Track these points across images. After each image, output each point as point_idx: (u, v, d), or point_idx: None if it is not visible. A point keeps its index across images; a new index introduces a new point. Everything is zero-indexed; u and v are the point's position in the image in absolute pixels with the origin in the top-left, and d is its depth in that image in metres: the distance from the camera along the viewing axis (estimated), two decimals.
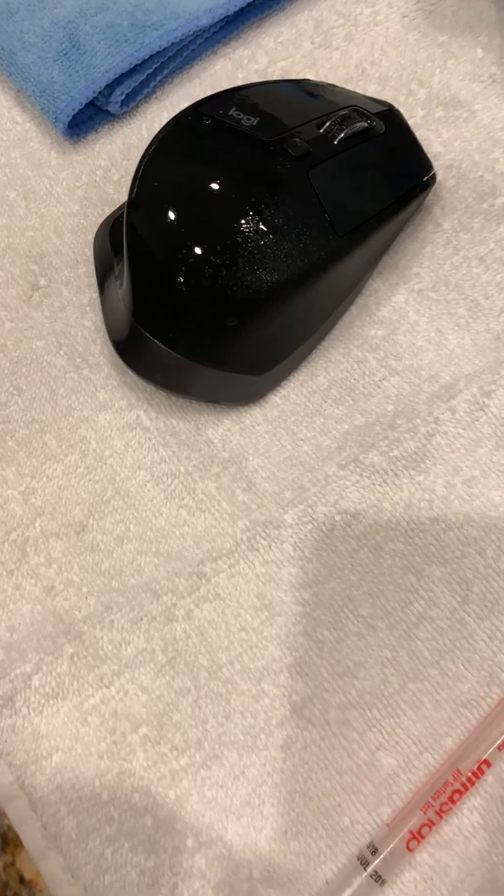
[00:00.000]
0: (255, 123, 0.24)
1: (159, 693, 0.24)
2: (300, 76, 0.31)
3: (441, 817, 0.20)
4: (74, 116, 0.29)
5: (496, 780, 0.21)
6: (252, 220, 0.23)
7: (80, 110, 0.29)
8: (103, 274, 0.28)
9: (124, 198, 0.27)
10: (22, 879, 0.24)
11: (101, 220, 0.29)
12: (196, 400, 0.27)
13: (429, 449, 0.25)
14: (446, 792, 0.20)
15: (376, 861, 0.20)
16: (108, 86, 0.29)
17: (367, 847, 0.21)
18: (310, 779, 0.22)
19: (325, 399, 0.26)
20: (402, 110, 0.28)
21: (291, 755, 0.23)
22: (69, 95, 0.29)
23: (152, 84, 0.30)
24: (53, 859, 0.23)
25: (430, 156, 0.28)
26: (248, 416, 0.27)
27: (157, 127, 0.27)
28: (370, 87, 0.30)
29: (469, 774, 0.20)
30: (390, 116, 0.27)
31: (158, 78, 0.30)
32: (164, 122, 0.26)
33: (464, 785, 0.20)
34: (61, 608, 0.25)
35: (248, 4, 0.30)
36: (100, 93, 0.29)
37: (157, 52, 0.29)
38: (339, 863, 0.21)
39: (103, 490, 0.27)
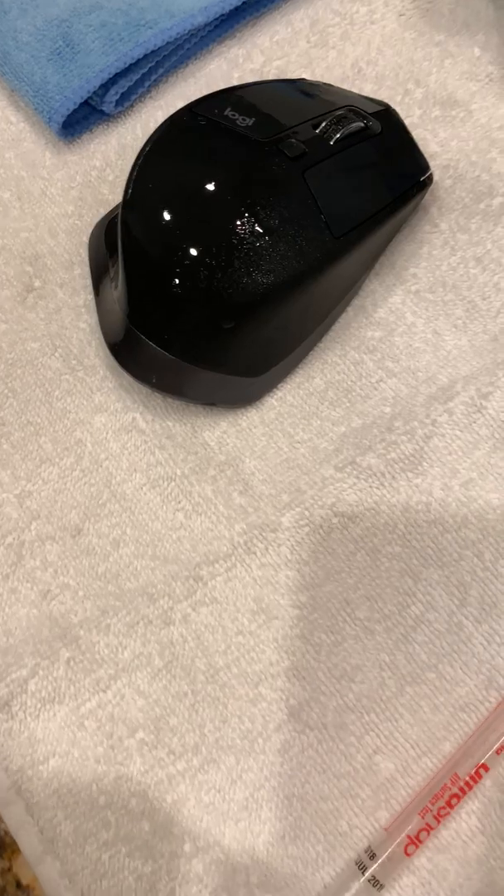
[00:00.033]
0: (250, 124, 0.24)
1: (156, 697, 0.24)
2: (296, 75, 0.30)
3: (439, 822, 0.20)
4: (69, 116, 0.29)
5: (494, 784, 0.21)
6: (247, 221, 0.23)
7: (75, 110, 0.29)
8: (98, 275, 0.28)
9: (119, 198, 0.27)
10: (19, 884, 0.24)
11: (96, 221, 0.29)
12: (192, 402, 0.27)
13: (426, 451, 0.25)
14: (444, 796, 0.20)
15: (374, 866, 0.20)
16: (102, 85, 0.29)
17: (366, 852, 0.21)
18: (307, 783, 0.22)
19: (322, 401, 0.26)
20: (399, 110, 0.28)
21: (289, 759, 0.23)
22: (63, 95, 0.29)
23: (147, 83, 0.30)
24: (50, 864, 0.23)
25: (426, 156, 0.27)
26: (244, 418, 0.26)
27: (152, 126, 0.26)
28: (366, 87, 0.30)
29: (467, 779, 0.20)
30: (387, 116, 0.27)
31: (153, 77, 0.30)
32: (159, 121, 0.26)
33: (462, 789, 0.20)
34: (57, 612, 0.25)
35: (244, 3, 0.30)
36: (94, 92, 0.29)
37: (152, 51, 0.29)
38: (336, 867, 0.21)
39: (99, 493, 0.26)
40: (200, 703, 0.24)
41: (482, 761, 0.20)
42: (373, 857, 0.20)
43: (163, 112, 0.30)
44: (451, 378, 0.26)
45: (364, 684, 0.23)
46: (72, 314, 0.29)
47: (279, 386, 0.27)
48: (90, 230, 0.29)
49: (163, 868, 0.22)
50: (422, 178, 0.27)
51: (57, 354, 0.28)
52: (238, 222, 0.23)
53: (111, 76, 0.29)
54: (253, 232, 0.23)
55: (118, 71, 0.29)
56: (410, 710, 0.22)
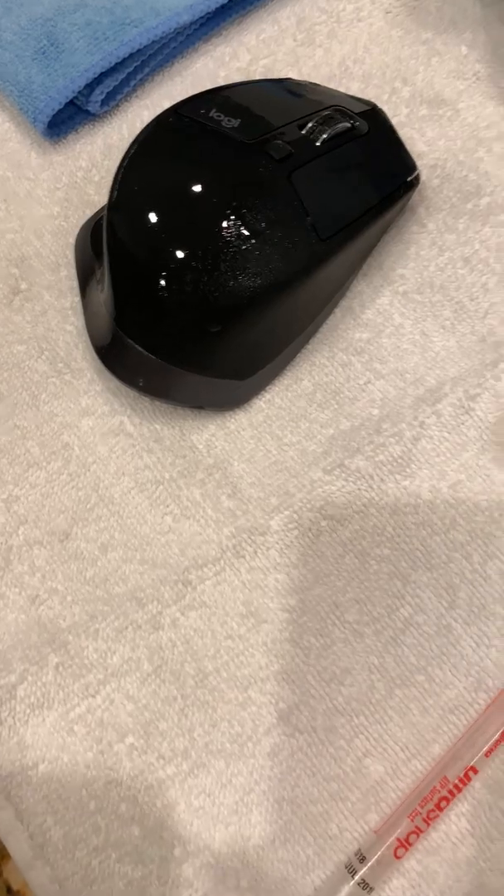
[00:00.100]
0: (236, 125, 0.24)
1: (145, 702, 0.24)
2: (283, 74, 0.30)
3: (428, 824, 0.20)
4: (54, 116, 0.29)
5: (483, 786, 0.21)
6: (233, 224, 0.23)
7: (60, 110, 0.29)
8: (85, 277, 0.27)
9: (105, 199, 0.26)
10: (9, 890, 0.24)
11: (82, 223, 0.29)
12: (180, 405, 0.26)
13: (414, 453, 0.25)
14: (433, 799, 0.20)
15: (364, 869, 0.20)
16: (87, 85, 0.29)
17: (355, 855, 0.21)
18: (297, 786, 0.22)
19: (311, 403, 0.26)
20: (386, 109, 0.28)
21: (279, 763, 0.23)
22: (48, 95, 0.28)
23: (133, 83, 0.30)
24: (41, 870, 0.23)
25: (414, 155, 0.27)
26: (232, 420, 0.26)
27: (139, 126, 0.26)
28: (353, 85, 0.30)
29: (456, 781, 0.20)
30: (374, 116, 0.27)
31: (139, 76, 0.30)
32: (146, 121, 0.26)
33: (451, 792, 0.20)
34: (46, 617, 0.25)
35: (230, 0, 0.30)
36: (79, 92, 0.29)
37: (138, 50, 0.29)
38: (326, 870, 0.21)
39: (87, 497, 0.26)
40: (190, 708, 0.23)
41: (471, 764, 0.20)
42: (362, 860, 0.20)
43: (149, 111, 0.30)
44: (439, 380, 0.26)
45: (353, 687, 0.23)
46: (58, 316, 0.29)
47: (267, 388, 0.26)
48: (76, 231, 0.29)
49: (153, 873, 0.22)
50: (409, 179, 0.26)
51: (44, 357, 0.28)
52: (224, 225, 0.23)
53: (96, 75, 0.28)
54: (239, 235, 0.23)
55: (103, 70, 0.28)
56: (400, 713, 0.22)
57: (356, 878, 0.20)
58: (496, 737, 0.21)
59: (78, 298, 0.28)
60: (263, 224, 0.23)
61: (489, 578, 0.23)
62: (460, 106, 0.29)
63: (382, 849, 0.20)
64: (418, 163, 0.27)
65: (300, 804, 0.22)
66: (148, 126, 0.25)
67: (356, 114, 0.26)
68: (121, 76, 0.29)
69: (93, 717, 0.24)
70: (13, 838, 0.23)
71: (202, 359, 0.25)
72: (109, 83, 0.29)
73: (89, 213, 0.29)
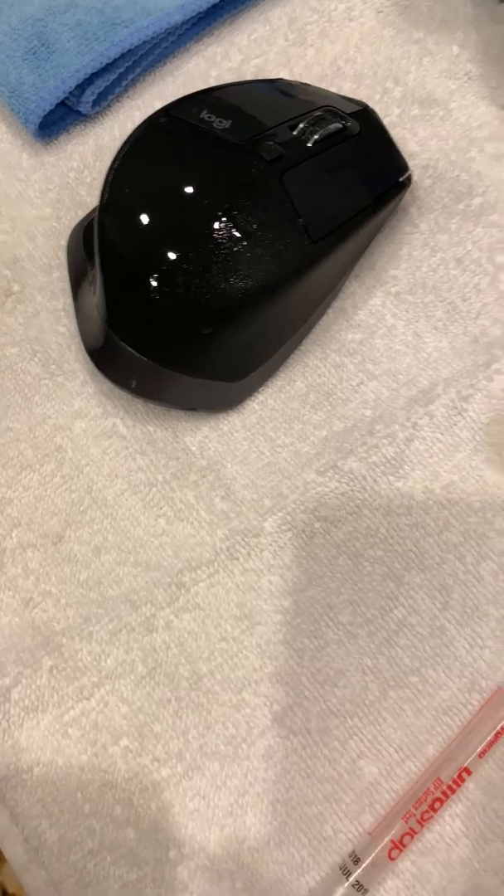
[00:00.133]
0: (227, 126, 0.24)
1: (140, 704, 0.24)
2: (274, 74, 0.30)
3: (422, 826, 0.20)
4: (45, 117, 0.29)
5: (477, 787, 0.21)
6: (225, 226, 0.23)
7: (51, 111, 0.29)
8: (77, 279, 0.27)
9: (97, 200, 0.26)
10: (5, 893, 0.24)
11: (74, 224, 0.29)
12: (172, 407, 0.26)
13: (407, 454, 0.25)
14: (427, 801, 0.20)
15: (358, 870, 0.20)
16: (78, 85, 0.29)
17: (350, 856, 0.21)
18: (292, 788, 0.22)
19: (304, 405, 0.26)
20: (378, 108, 0.28)
21: (273, 765, 0.23)
22: (39, 96, 0.28)
23: (124, 83, 0.30)
24: (36, 873, 0.23)
25: (406, 155, 0.27)
26: (226, 422, 0.26)
27: (130, 127, 0.26)
28: (345, 85, 0.30)
29: (450, 783, 0.20)
30: (365, 116, 0.27)
31: (130, 77, 0.30)
32: (137, 121, 0.26)
33: (444, 793, 0.20)
34: (40, 620, 0.25)
35: (221, 0, 0.30)
36: (70, 92, 0.29)
37: (129, 51, 0.29)
38: (321, 872, 0.21)
39: (80, 500, 0.26)
40: (184, 710, 0.23)
41: (465, 765, 0.21)
42: (357, 861, 0.20)
43: (140, 112, 0.30)
44: (432, 380, 0.26)
45: (347, 689, 0.23)
46: (51, 318, 0.28)
47: (260, 390, 0.26)
48: (68, 233, 0.29)
49: (148, 875, 0.22)
50: (401, 179, 0.26)
51: (36, 359, 0.28)
52: (215, 227, 0.23)
53: (87, 76, 0.28)
54: (230, 236, 0.23)
55: (94, 71, 0.28)
56: (394, 714, 0.22)
57: (350, 879, 0.20)
58: (490, 737, 0.21)
59: (70, 300, 0.28)
60: (255, 226, 0.23)
61: (482, 579, 0.23)
62: (452, 106, 0.29)
63: (377, 850, 0.20)
64: (410, 163, 0.27)
65: (295, 806, 0.22)
66: (139, 127, 0.25)
67: (348, 114, 0.26)
68: (112, 77, 0.29)
69: (87, 719, 0.24)
70: (8, 842, 0.23)
71: (195, 361, 0.25)
72: (101, 84, 0.29)
73: (81, 214, 0.29)
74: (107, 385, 0.27)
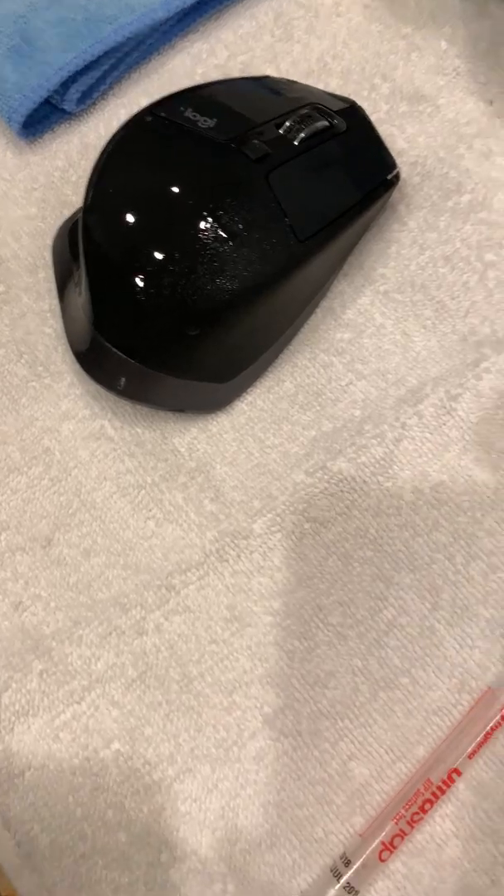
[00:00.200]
0: (212, 125, 0.23)
1: (130, 708, 0.24)
2: (261, 71, 0.30)
3: (413, 827, 0.20)
4: (29, 115, 0.28)
5: (467, 787, 0.21)
6: (210, 226, 0.22)
7: (35, 109, 0.28)
8: (63, 280, 0.27)
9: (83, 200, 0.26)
10: None
11: (59, 223, 0.29)
12: (160, 409, 0.26)
13: (396, 454, 0.25)
14: (417, 802, 0.20)
15: (349, 873, 0.20)
16: (63, 83, 0.28)
17: (341, 858, 0.21)
18: (283, 790, 0.22)
19: (292, 405, 0.26)
20: (366, 105, 0.28)
21: (264, 767, 0.23)
22: (22, 94, 0.28)
23: (109, 80, 0.30)
24: (29, 878, 0.23)
25: (394, 152, 0.27)
26: (214, 423, 0.26)
27: (115, 125, 0.26)
28: (332, 82, 0.29)
29: (440, 783, 0.20)
30: (352, 113, 0.26)
31: (115, 74, 0.29)
32: (122, 119, 0.25)
33: (434, 794, 0.20)
34: (29, 624, 0.25)
35: None
36: (55, 90, 0.28)
37: (113, 48, 0.28)
38: (312, 874, 0.21)
39: (69, 502, 0.26)
40: (175, 713, 0.23)
41: (454, 766, 0.21)
42: (348, 863, 0.20)
43: (126, 110, 0.30)
44: (421, 380, 0.26)
45: (337, 690, 0.23)
46: (37, 319, 0.28)
47: (249, 390, 0.26)
48: (54, 232, 0.29)
49: (140, 879, 0.22)
50: (389, 177, 0.26)
51: (23, 361, 0.28)
52: (200, 227, 0.22)
53: (71, 74, 0.28)
54: (216, 237, 0.22)
55: (78, 68, 0.28)
56: (384, 716, 0.22)
57: (341, 881, 0.20)
58: (479, 738, 0.21)
59: (56, 300, 0.28)
60: (241, 226, 0.23)
61: (472, 579, 0.23)
62: (440, 102, 0.29)
63: (367, 852, 0.20)
64: (398, 160, 0.27)
65: (286, 808, 0.22)
66: (122, 127, 0.24)
67: (335, 111, 0.26)
68: (96, 74, 0.29)
69: (78, 723, 0.24)
70: (1, 846, 0.23)
71: (182, 362, 0.25)
72: (85, 81, 0.28)
73: (67, 213, 0.29)
74: (94, 386, 0.27)
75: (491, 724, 0.21)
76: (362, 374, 0.26)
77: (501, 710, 0.21)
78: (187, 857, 0.22)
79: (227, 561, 0.25)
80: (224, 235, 0.22)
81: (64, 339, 0.27)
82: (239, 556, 0.25)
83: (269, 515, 0.25)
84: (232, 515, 0.25)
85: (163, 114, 0.24)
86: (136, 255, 0.23)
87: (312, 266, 0.24)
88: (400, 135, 0.28)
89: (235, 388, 0.26)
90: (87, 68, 0.28)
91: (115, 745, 0.23)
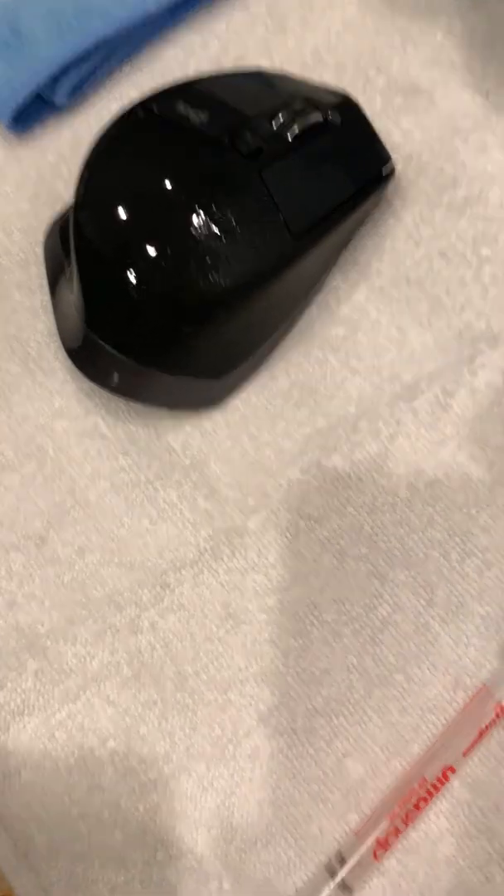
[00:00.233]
0: (204, 119, 0.23)
1: (125, 706, 0.24)
2: (254, 63, 0.29)
3: (407, 825, 0.20)
4: (19, 110, 0.28)
5: (462, 784, 0.21)
6: (203, 222, 0.22)
7: (25, 103, 0.28)
8: (54, 276, 0.27)
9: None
10: None
11: (51, 219, 0.28)
12: (154, 406, 0.26)
13: (391, 451, 0.25)
14: (412, 800, 0.20)
15: (343, 871, 0.20)
16: (53, 77, 0.28)
17: (335, 856, 0.21)
18: (278, 788, 0.22)
19: (287, 402, 0.26)
20: (361, 98, 0.27)
21: (259, 765, 0.23)
22: (11, 88, 0.27)
23: (100, 74, 0.29)
24: (25, 877, 0.23)
25: (389, 146, 0.27)
26: (208, 420, 0.26)
27: (107, 119, 0.25)
28: (327, 75, 0.29)
29: (434, 781, 0.20)
30: (347, 107, 0.26)
31: (106, 67, 0.29)
32: (114, 113, 0.25)
33: (429, 792, 0.20)
34: (24, 622, 0.25)
35: None
36: (45, 84, 0.28)
37: (104, 41, 0.28)
38: (308, 871, 0.21)
39: (63, 500, 0.26)
40: (170, 712, 0.23)
41: (449, 763, 0.21)
42: (342, 861, 0.20)
43: (117, 104, 0.29)
44: (416, 376, 0.25)
45: (332, 688, 0.23)
46: (29, 315, 0.28)
47: (243, 387, 0.26)
48: (46, 228, 0.28)
49: (136, 878, 0.22)
50: (383, 171, 0.26)
51: (15, 358, 0.28)
52: (193, 223, 0.22)
53: (61, 67, 0.27)
54: (209, 233, 0.22)
55: (68, 61, 0.27)
56: (379, 713, 0.22)
57: (336, 879, 0.20)
58: (474, 735, 0.21)
59: (48, 296, 0.28)
60: (233, 221, 0.22)
61: (467, 576, 0.23)
62: (436, 95, 0.28)
63: (362, 850, 0.20)
64: (393, 154, 0.27)
65: (281, 806, 0.22)
66: (112, 122, 0.24)
67: (329, 105, 0.25)
68: (87, 67, 0.28)
69: (73, 722, 0.24)
70: None
71: (175, 359, 0.25)
72: (75, 75, 0.28)
73: (59, 208, 0.29)
74: (87, 384, 0.27)
75: (486, 722, 0.21)
76: (357, 371, 0.26)
77: (496, 707, 0.21)
78: (183, 855, 0.22)
79: (221, 558, 0.25)
80: (217, 231, 0.22)
81: (56, 336, 0.27)
82: (233, 554, 0.25)
83: (264, 513, 0.25)
84: (226, 513, 0.25)
85: (154, 108, 0.24)
86: (128, 252, 0.23)
87: (306, 261, 0.24)
88: (395, 128, 0.28)
89: (229, 384, 0.26)
90: (78, 61, 0.28)
91: (111, 744, 0.23)
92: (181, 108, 0.24)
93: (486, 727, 0.21)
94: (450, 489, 0.24)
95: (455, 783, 0.21)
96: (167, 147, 0.23)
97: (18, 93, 0.27)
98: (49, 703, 0.24)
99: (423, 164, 0.28)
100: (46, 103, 0.29)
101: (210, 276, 0.23)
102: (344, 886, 0.20)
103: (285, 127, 0.24)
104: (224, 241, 0.22)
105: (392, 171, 0.26)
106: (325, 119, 0.25)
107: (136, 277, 0.23)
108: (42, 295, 0.28)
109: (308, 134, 0.24)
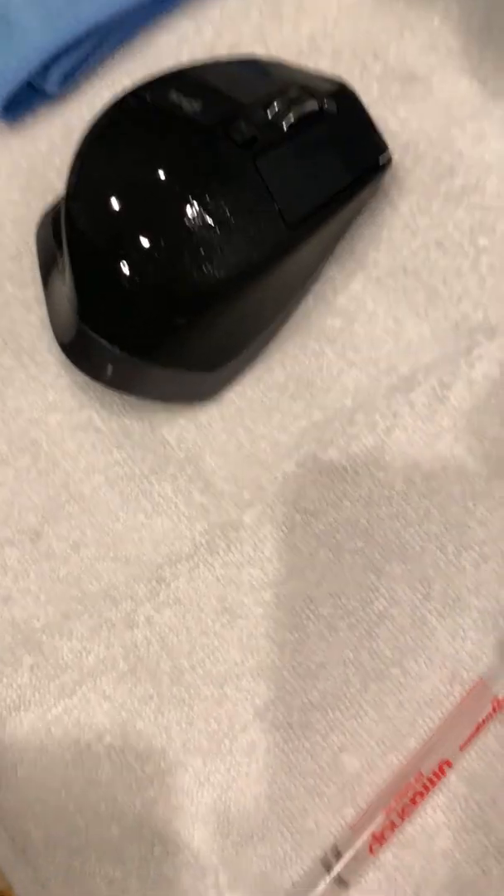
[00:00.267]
0: (197, 108, 0.23)
1: (122, 701, 0.24)
2: (248, 50, 0.29)
3: (403, 819, 0.20)
4: (9, 98, 0.28)
5: (459, 778, 0.21)
6: (197, 212, 0.22)
7: (16, 91, 0.28)
8: (47, 268, 0.26)
9: None
10: None
11: (43, 209, 0.28)
12: (148, 399, 0.26)
13: (388, 444, 0.24)
14: (408, 794, 0.20)
15: (339, 865, 0.20)
16: (43, 64, 0.27)
17: (331, 850, 0.21)
18: (274, 782, 0.22)
19: (283, 394, 0.26)
20: (357, 86, 0.27)
21: (255, 759, 0.23)
22: (2, 76, 0.27)
23: (92, 61, 0.29)
24: (23, 871, 0.23)
25: (386, 134, 0.26)
26: (203, 413, 0.26)
27: (99, 107, 0.25)
28: (322, 62, 0.29)
29: (430, 776, 0.20)
30: (343, 95, 0.26)
31: (98, 55, 0.29)
32: (106, 101, 0.25)
33: (425, 787, 0.20)
34: (19, 617, 0.25)
35: None
36: (35, 72, 0.27)
37: (95, 27, 0.27)
38: (304, 865, 0.21)
39: (57, 495, 0.26)
40: (166, 706, 0.23)
41: (446, 758, 0.21)
42: (338, 855, 0.20)
43: (109, 91, 0.29)
44: (413, 368, 0.25)
45: (328, 682, 0.23)
46: (21, 308, 0.28)
47: (238, 380, 0.26)
48: (38, 219, 0.28)
49: (133, 873, 0.22)
50: (380, 160, 0.26)
51: (8, 351, 0.27)
52: (186, 214, 0.22)
53: (52, 55, 0.27)
54: (202, 223, 0.22)
55: (59, 49, 0.27)
56: (375, 707, 0.22)
57: (332, 873, 0.20)
58: (471, 730, 0.21)
59: (41, 288, 0.27)
60: (228, 212, 0.22)
61: (464, 570, 0.23)
62: (433, 82, 0.28)
63: (357, 844, 0.20)
64: (390, 143, 0.26)
65: (277, 800, 0.22)
66: (104, 110, 0.24)
67: (325, 93, 0.25)
68: (78, 55, 0.28)
69: (69, 717, 0.24)
70: None
71: (170, 351, 0.24)
72: (67, 62, 0.28)
73: (51, 198, 0.28)
74: (81, 377, 0.26)
75: (482, 716, 0.21)
76: (353, 363, 0.26)
77: (493, 701, 0.21)
78: (180, 849, 0.22)
79: (217, 553, 0.24)
80: (211, 222, 0.22)
81: (49, 328, 0.27)
82: (229, 548, 0.24)
83: (260, 506, 0.25)
84: (222, 507, 0.25)
85: (147, 97, 0.23)
86: (120, 243, 0.22)
87: (302, 252, 0.24)
88: (392, 116, 0.28)
89: (225, 377, 0.25)
90: (69, 49, 0.28)
91: (107, 739, 0.23)
92: (174, 96, 0.23)
93: (483, 721, 0.21)
94: (446, 482, 0.24)
95: (451, 777, 0.21)
96: (160, 136, 0.23)
97: (9, 81, 0.27)
98: (45, 699, 0.24)
99: (420, 153, 0.27)
100: (37, 92, 0.29)
101: (204, 267, 0.22)
102: (340, 880, 0.20)
103: (280, 115, 0.23)
104: (218, 231, 0.22)
105: (389, 160, 0.26)
106: (321, 107, 0.24)
107: (128, 268, 0.22)
108: (35, 287, 0.28)
109: (303, 122, 0.24)
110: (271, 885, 0.21)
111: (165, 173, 0.22)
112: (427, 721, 0.22)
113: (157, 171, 0.22)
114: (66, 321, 0.25)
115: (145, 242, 0.22)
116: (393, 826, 0.20)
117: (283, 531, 0.24)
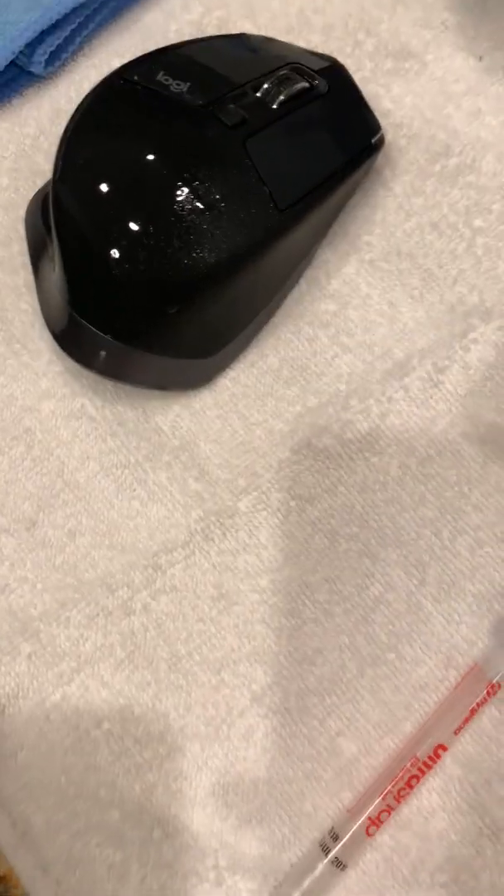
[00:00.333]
0: (185, 89, 0.22)
1: (119, 688, 0.24)
2: (238, 27, 0.28)
3: (399, 802, 0.21)
4: None
5: (454, 760, 0.22)
6: (186, 196, 0.21)
7: (1, 72, 0.27)
8: (36, 254, 0.26)
9: None
10: None
11: (32, 194, 0.28)
12: (141, 387, 0.26)
13: (382, 429, 0.24)
14: (404, 778, 0.20)
15: (337, 847, 0.20)
16: (28, 44, 0.27)
17: (329, 833, 0.21)
18: (272, 767, 0.22)
19: (277, 380, 0.26)
20: (349, 63, 0.26)
21: (253, 744, 0.23)
22: None
23: (78, 40, 0.28)
24: (24, 856, 0.23)
25: (379, 113, 0.26)
26: (197, 400, 0.26)
27: (87, 88, 0.25)
28: (314, 38, 0.28)
29: (426, 759, 0.21)
30: (334, 73, 0.25)
31: (84, 33, 0.28)
32: (94, 81, 0.24)
33: (421, 770, 0.21)
34: (16, 606, 0.25)
35: None
36: (20, 52, 0.27)
37: (81, 5, 0.27)
38: (302, 848, 0.22)
39: (52, 483, 0.26)
40: (164, 693, 0.23)
41: (441, 742, 0.21)
42: (336, 838, 0.20)
43: (97, 71, 0.28)
44: (408, 352, 0.25)
45: (325, 667, 0.23)
46: (12, 295, 0.27)
47: (232, 366, 0.26)
48: (27, 204, 0.28)
49: (133, 856, 0.22)
50: (373, 140, 0.25)
51: None
52: (175, 198, 0.22)
53: (37, 34, 0.26)
54: (192, 208, 0.22)
55: (44, 28, 0.26)
56: (371, 692, 0.22)
57: (329, 856, 0.20)
58: (466, 714, 0.21)
59: (31, 275, 0.27)
60: (217, 195, 0.22)
61: (459, 555, 0.23)
62: (427, 58, 0.28)
63: (354, 828, 0.20)
64: (383, 121, 0.26)
65: (275, 784, 0.22)
66: (91, 92, 0.23)
67: (316, 71, 0.25)
68: (64, 34, 0.27)
69: (68, 704, 0.24)
70: None
71: (162, 338, 0.24)
72: (52, 41, 0.27)
73: (40, 182, 0.28)
74: (73, 364, 0.26)
75: (477, 700, 0.21)
76: (348, 347, 0.25)
77: (487, 685, 0.21)
78: (179, 833, 0.22)
79: (212, 540, 0.24)
80: (200, 206, 0.22)
81: (40, 315, 0.27)
82: (225, 535, 0.24)
83: (255, 493, 0.24)
84: (217, 494, 0.25)
85: (134, 77, 0.23)
86: (109, 229, 0.22)
87: (294, 235, 0.24)
88: (385, 94, 0.27)
89: (218, 363, 0.25)
90: (54, 27, 0.27)
91: (106, 726, 0.23)
92: (162, 76, 0.23)
93: (478, 705, 0.21)
94: (441, 467, 0.24)
95: (447, 760, 0.21)
96: (148, 117, 0.22)
97: None
98: (43, 686, 0.24)
99: (415, 132, 0.27)
100: (24, 72, 0.28)
101: (195, 252, 0.22)
102: (337, 862, 0.20)
103: (270, 95, 0.23)
104: (208, 215, 0.22)
105: (382, 140, 0.26)
106: (312, 86, 0.24)
107: (118, 255, 0.22)
108: (25, 273, 0.27)
109: (294, 102, 0.23)
110: (269, 867, 0.22)
111: (153, 156, 0.22)
112: (423, 705, 0.22)
113: (144, 154, 0.22)
114: (56, 308, 0.25)
115: (134, 227, 0.22)
116: (389, 809, 0.20)
117: (278, 517, 0.24)
